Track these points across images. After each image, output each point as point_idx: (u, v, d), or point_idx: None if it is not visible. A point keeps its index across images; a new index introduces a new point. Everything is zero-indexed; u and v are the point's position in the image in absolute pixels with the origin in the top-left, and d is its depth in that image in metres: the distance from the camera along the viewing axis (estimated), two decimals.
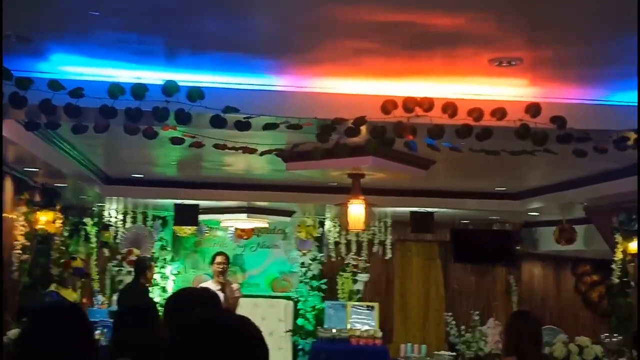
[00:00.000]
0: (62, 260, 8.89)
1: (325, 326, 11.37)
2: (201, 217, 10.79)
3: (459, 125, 4.35)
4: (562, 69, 4.23)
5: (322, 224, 12.37)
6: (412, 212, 10.36)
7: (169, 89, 4.16)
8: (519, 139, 4.39)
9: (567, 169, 7.90)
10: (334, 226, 12.37)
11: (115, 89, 4.14)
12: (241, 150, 4.80)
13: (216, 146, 4.75)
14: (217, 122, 4.25)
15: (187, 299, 3.64)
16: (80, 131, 4.43)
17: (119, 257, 11.62)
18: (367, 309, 11.75)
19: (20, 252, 7.55)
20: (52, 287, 8.88)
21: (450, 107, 4.30)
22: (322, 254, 12.47)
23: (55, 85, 4.07)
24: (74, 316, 3.10)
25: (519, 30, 3.66)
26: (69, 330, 2.99)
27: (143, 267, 9.28)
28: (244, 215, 10.85)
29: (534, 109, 4.33)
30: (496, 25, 3.53)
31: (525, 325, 5.24)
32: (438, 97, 4.36)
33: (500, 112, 4.32)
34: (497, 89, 4.47)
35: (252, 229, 11.96)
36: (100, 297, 11.27)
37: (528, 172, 8.52)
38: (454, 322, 12.64)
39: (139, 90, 4.15)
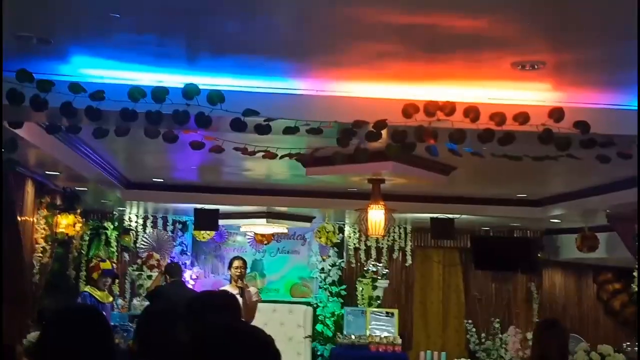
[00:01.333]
0: (92, 264, 8.95)
1: (345, 332, 11.33)
2: (221, 222, 10.80)
3: (480, 129, 4.30)
4: (586, 73, 4.17)
5: (341, 230, 12.34)
6: (432, 218, 10.30)
7: (190, 92, 4.16)
8: (541, 144, 4.34)
9: (589, 176, 7.82)
10: (354, 232, 12.36)
11: (136, 92, 4.14)
12: (261, 154, 4.77)
13: (236, 149, 4.73)
14: (237, 125, 4.23)
15: (208, 302, 3.62)
16: (101, 135, 4.44)
17: (139, 261, 11.65)
18: (387, 316, 11.70)
19: (40, 255, 7.59)
20: (86, 288, 8.97)
21: (472, 111, 4.25)
22: (341, 260, 12.44)
23: (76, 88, 4.08)
24: (93, 319, 3.10)
25: (542, 33, 3.61)
26: (88, 333, 2.99)
27: (177, 270, 9.41)
28: (263, 220, 10.85)
29: (557, 113, 4.27)
30: (519, 28, 3.49)
31: (552, 335, 5.19)
32: (460, 101, 4.32)
33: (522, 116, 4.27)
34: (520, 93, 4.42)
35: (272, 234, 11.95)
36: (120, 301, 11.31)
37: (550, 179, 8.45)
38: (474, 330, 12.57)
39: (160, 94, 4.15)
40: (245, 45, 3.91)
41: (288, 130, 4.31)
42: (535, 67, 3.97)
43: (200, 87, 4.18)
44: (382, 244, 12.50)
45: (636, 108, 4.42)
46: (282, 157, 4.82)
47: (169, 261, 11.10)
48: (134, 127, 4.40)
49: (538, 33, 3.62)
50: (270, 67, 4.24)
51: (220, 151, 4.63)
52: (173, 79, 4.27)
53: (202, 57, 4.17)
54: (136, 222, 11.91)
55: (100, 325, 3.12)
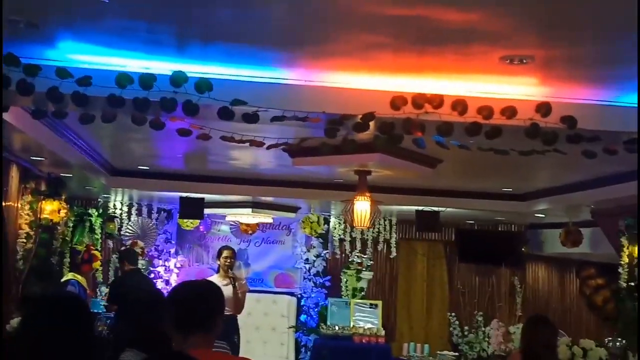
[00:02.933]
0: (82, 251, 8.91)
1: (328, 323, 11.33)
2: (206, 211, 10.79)
3: (468, 123, 4.31)
4: (574, 68, 4.18)
5: (327, 221, 12.34)
6: (417, 211, 10.32)
7: (178, 79, 4.13)
8: (528, 139, 4.35)
9: (574, 171, 7.86)
10: (339, 223, 12.36)
11: (124, 78, 4.11)
12: (248, 143, 4.76)
13: (223, 138, 4.71)
14: (225, 114, 4.22)
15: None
16: (87, 121, 4.41)
17: (122, 248, 11.59)
18: (371, 307, 11.70)
19: (24, 241, 7.54)
20: (69, 275, 8.91)
21: (460, 105, 4.25)
22: (326, 251, 12.45)
23: (63, 73, 4.05)
24: (74, 306, 3.08)
25: (532, 28, 3.62)
26: (68, 320, 2.97)
27: (135, 257, 9.29)
28: (248, 210, 10.84)
29: (544, 108, 4.28)
30: (509, 22, 3.49)
31: (541, 331, 5.23)
32: (448, 94, 4.33)
33: (510, 110, 4.28)
34: (508, 88, 4.42)
35: (257, 224, 11.94)
36: (103, 289, 11.26)
37: (535, 174, 8.48)
38: (457, 322, 12.61)
39: (147, 80, 4.13)
40: (235, 33, 3.89)
41: (276, 119, 4.29)
42: (524, 61, 3.97)
43: (189, 75, 4.16)
44: (367, 235, 12.50)
45: (626, 104, 4.46)
46: (269, 147, 4.81)
47: (125, 247, 10.99)
48: (121, 113, 4.37)
49: (528, 28, 3.62)
50: (260, 57, 4.23)
51: (207, 138, 4.61)
52: (161, 66, 4.25)
53: (191, 45, 4.15)
54: (121, 209, 11.86)
55: (80, 312, 3.10)
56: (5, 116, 5.18)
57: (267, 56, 4.22)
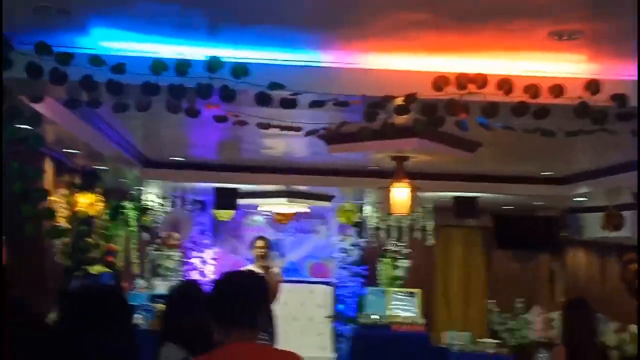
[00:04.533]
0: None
1: (366, 312, 11.23)
2: (241, 201, 10.72)
3: (514, 103, 4.15)
4: (624, 43, 3.99)
5: (361, 209, 12.21)
6: (455, 197, 10.16)
7: (213, 65, 4.03)
8: (577, 118, 4.18)
9: (615, 153, 7.64)
10: (374, 211, 12.22)
11: (158, 65, 4.01)
12: (285, 130, 4.64)
13: (260, 125, 4.59)
14: (262, 99, 4.11)
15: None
16: (121, 110, 4.32)
17: (158, 240, 11.58)
18: (408, 296, 11.57)
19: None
20: (100, 268, 8.83)
21: (506, 84, 4.10)
22: (362, 239, 12.33)
23: (96, 60, 3.96)
24: (113, 298, 3.00)
25: (581, 2, 3.44)
26: (107, 312, 2.89)
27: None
28: (283, 200, 10.75)
29: (593, 86, 4.12)
30: None
31: (579, 315, 5.09)
32: (492, 73, 4.17)
33: (558, 89, 4.11)
34: (554, 65, 4.24)
35: (292, 214, 11.85)
36: (140, 281, 11.25)
37: (575, 156, 8.26)
38: (496, 310, 12.44)
39: (182, 67, 4.03)
40: (270, 15, 3.77)
41: (314, 104, 4.17)
42: (573, 37, 3.80)
43: (224, 59, 4.05)
44: (403, 223, 12.36)
45: None
46: (308, 133, 4.69)
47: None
48: (155, 101, 4.28)
49: (576, 1, 3.45)
50: (296, 39, 4.10)
51: (244, 124, 4.49)
52: (195, 52, 4.14)
53: (225, 29, 4.02)
54: (155, 201, 11.83)
55: (119, 304, 3.03)
56: (39, 107, 5.12)
57: (304, 38, 4.09)
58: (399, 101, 4.18)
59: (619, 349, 7.06)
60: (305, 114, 4.50)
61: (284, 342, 11.27)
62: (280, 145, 8.07)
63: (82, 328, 2.86)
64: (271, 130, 4.78)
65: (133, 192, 11.34)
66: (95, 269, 7.98)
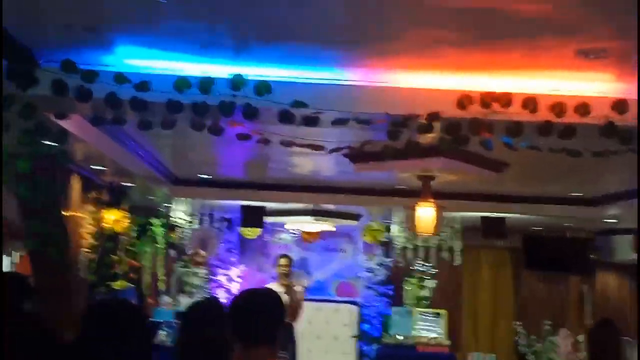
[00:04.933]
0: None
1: (391, 332, 11.15)
2: (267, 219, 10.72)
3: (539, 122, 4.10)
4: None
5: (388, 229, 12.14)
6: (483, 217, 10.07)
7: (237, 82, 4.04)
8: (604, 137, 4.12)
9: None
10: (401, 231, 12.15)
11: (182, 83, 4.03)
12: (309, 148, 4.63)
13: (283, 143, 4.59)
14: (286, 117, 4.10)
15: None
16: (146, 127, 4.34)
17: (185, 257, 11.61)
18: (434, 316, 11.48)
19: (88, 250, 7.56)
20: (123, 284, 8.84)
21: (531, 103, 4.05)
22: (389, 259, 12.26)
23: (121, 78, 3.99)
24: (130, 313, 3.00)
25: (609, 18, 3.40)
26: (124, 327, 2.90)
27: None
28: (309, 218, 10.73)
29: (621, 105, 4.06)
30: (583, 12, 3.28)
31: (606, 337, 5.00)
32: (517, 92, 4.13)
33: (584, 107, 4.06)
34: (581, 84, 4.19)
35: (318, 232, 11.83)
36: (166, 298, 11.28)
37: (605, 177, 8.15)
38: (524, 332, 12.28)
39: (206, 84, 4.04)
40: (294, 33, 3.77)
41: (337, 122, 4.16)
42: (600, 55, 3.75)
43: (247, 77, 4.05)
44: (430, 243, 12.28)
45: None
46: (331, 151, 4.68)
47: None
48: (180, 119, 4.30)
49: (606, 18, 3.40)
50: (320, 57, 4.10)
51: (267, 143, 4.49)
52: (219, 70, 4.15)
53: (249, 46, 4.03)
54: (182, 218, 11.87)
55: (136, 319, 3.03)
56: (66, 125, 5.16)
57: (327, 56, 4.08)
58: (422, 120, 4.15)
59: None
60: (330, 132, 4.49)
61: None
62: (308, 163, 8.07)
63: (97, 341, 2.87)
64: (298, 149, 4.78)
65: (161, 210, 11.40)
66: (118, 284, 8.01)
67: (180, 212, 11.76)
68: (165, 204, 11.21)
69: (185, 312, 4.02)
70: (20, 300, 4.57)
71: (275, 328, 3.26)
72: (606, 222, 10.56)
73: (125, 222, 8.06)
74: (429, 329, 11.35)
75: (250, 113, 4.08)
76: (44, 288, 6.52)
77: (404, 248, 12.31)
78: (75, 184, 7.20)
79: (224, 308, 3.80)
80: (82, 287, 7.54)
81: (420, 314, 11.47)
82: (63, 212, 6.53)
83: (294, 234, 12.27)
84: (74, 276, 6.86)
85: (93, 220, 7.62)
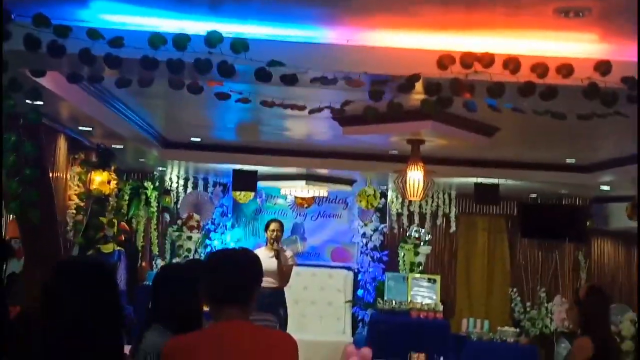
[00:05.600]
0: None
1: (385, 298, 11.14)
2: (261, 184, 10.69)
3: (521, 83, 4.03)
4: (635, 22, 3.84)
5: (384, 195, 12.09)
6: (476, 183, 10.02)
7: (212, 39, 3.96)
8: (586, 99, 4.05)
9: None
10: (397, 197, 12.12)
11: (157, 39, 3.95)
12: (290, 108, 4.57)
13: (263, 103, 4.53)
14: (262, 75, 4.03)
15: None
16: (124, 84, 4.29)
17: (179, 222, 11.60)
18: (429, 282, 11.45)
19: (74, 212, 7.52)
20: (113, 247, 8.80)
21: (512, 63, 3.98)
22: (384, 225, 12.24)
23: (94, 34, 3.91)
24: (98, 272, 2.97)
25: None
26: (90, 286, 2.87)
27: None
28: (302, 183, 10.68)
29: (603, 66, 3.98)
30: None
31: (597, 300, 4.96)
32: (499, 52, 4.05)
33: (566, 68, 3.98)
34: (564, 45, 4.11)
35: (313, 198, 11.78)
36: (159, 262, 11.28)
37: (600, 142, 8.09)
38: (519, 298, 12.29)
39: (181, 41, 3.96)
40: None
41: (316, 81, 4.08)
42: (580, 14, 3.67)
43: (224, 34, 3.98)
44: (426, 209, 12.25)
45: None
46: (311, 111, 4.61)
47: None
48: (157, 77, 4.23)
49: None
50: (298, 14, 4.02)
51: (246, 102, 4.43)
52: (195, 26, 4.07)
53: (226, 3, 3.95)
54: (177, 182, 11.85)
55: (107, 280, 3.00)
56: (49, 85, 5.10)
57: (306, 13, 4.00)
58: (403, 80, 4.08)
59: (633, 339, 6.90)
60: (321, 93, 4.41)
61: (302, 325, 11.28)
62: (301, 127, 8.02)
63: (65, 298, 2.84)
64: (291, 112, 4.72)
65: (155, 173, 11.37)
66: (107, 247, 7.98)
67: (174, 177, 11.74)
68: (160, 168, 11.18)
69: (157, 273, 3.97)
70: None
71: (249, 288, 3.20)
72: (601, 189, 10.50)
73: (113, 184, 8.01)
74: (423, 294, 11.32)
75: (227, 71, 4.00)
76: (30, 251, 6.51)
77: (400, 214, 12.30)
78: (62, 145, 7.14)
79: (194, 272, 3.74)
80: (69, 250, 7.52)
81: (415, 280, 11.44)
82: (48, 174, 6.48)
83: (289, 199, 12.22)
84: (59, 238, 6.82)
85: (80, 182, 7.57)
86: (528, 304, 12.20)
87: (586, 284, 7.06)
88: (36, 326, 3.03)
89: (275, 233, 8.73)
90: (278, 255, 8.55)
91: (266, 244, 8.87)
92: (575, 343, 5.11)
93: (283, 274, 8.62)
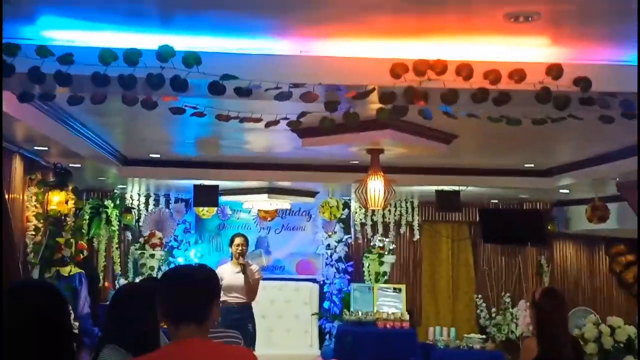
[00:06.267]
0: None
1: (352, 309, 11.13)
2: (223, 199, 10.63)
3: (474, 89, 4.05)
4: (585, 25, 3.89)
5: (347, 205, 12.09)
6: (437, 191, 10.07)
7: (164, 54, 3.92)
8: (539, 103, 4.08)
9: (598, 143, 7.56)
10: (360, 207, 12.13)
11: (107, 55, 3.90)
12: (246, 121, 4.54)
13: (219, 117, 4.49)
14: (215, 89, 4.00)
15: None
16: (76, 102, 4.22)
17: (141, 240, 11.48)
18: (394, 291, 11.47)
19: (33, 233, 7.40)
20: (74, 269, 8.63)
21: (464, 69, 3.99)
22: (348, 236, 12.23)
23: (43, 51, 3.85)
24: (47, 296, 2.91)
25: None
26: (39, 311, 2.81)
27: None
28: (264, 196, 10.64)
29: (555, 70, 4.02)
30: None
31: (551, 302, 4.98)
32: (451, 59, 4.06)
33: (518, 74, 4.01)
34: (515, 50, 4.14)
35: (276, 211, 11.74)
36: (122, 281, 11.14)
37: (557, 147, 8.19)
38: (484, 305, 12.36)
39: (133, 56, 3.92)
40: (222, 1, 3.67)
41: (271, 93, 4.06)
42: (530, 18, 3.70)
43: (176, 49, 3.94)
44: (389, 218, 12.28)
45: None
46: (267, 124, 4.57)
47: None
48: (110, 93, 4.17)
49: None
50: (250, 26, 4.00)
51: (201, 116, 4.39)
52: (146, 41, 4.03)
53: (176, 16, 3.92)
54: (138, 200, 11.73)
55: (55, 305, 2.94)
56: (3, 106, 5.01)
57: (258, 25, 3.99)
58: (357, 90, 4.08)
59: (596, 341, 6.95)
60: (278, 104, 4.39)
61: (269, 339, 11.21)
62: (261, 140, 7.98)
63: (15, 323, 2.78)
64: (250, 125, 4.68)
65: (115, 191, 11.25)
66: (65, 270, 7.86)
67: (135, 194, 11.63)
68: (120, 186, 11.06)
69: (113, 293, 3.90)
70: None
71: (206, 304, 3.14)
72: (560, 192, 10.62)
73: (71, 204, 7.89)
74: (389, 304, 11.33)
75: (180, 85, 3.97)
76: None
77: (363, 224, 12.31)
78: (18, 166, 7.03)
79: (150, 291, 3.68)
80: (29, 271, 7.40)
81: (381, 290, 11.45)
82: (4, 195, 6.36)
83: (253, 213, 12.15)
84: (17, 261, 6.70)
85: (37, 203, 7.45)
86: (493, 309, 12.27)
87: (541, 287, 7.12)
88: None
89: (240, 248, 8.67)
90: (244, 269, 8.49)
91: (231, 259, 8.81)
92: (522, 344, 5.14)
93: (250, 288, 8.57)
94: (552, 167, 9.44)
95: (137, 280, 10.73)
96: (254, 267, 8.91)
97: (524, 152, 8.39)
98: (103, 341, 3.60)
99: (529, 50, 4.15)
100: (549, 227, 11.99)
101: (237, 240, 8.77)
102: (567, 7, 3.67)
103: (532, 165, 9.27)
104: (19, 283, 3.69)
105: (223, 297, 8.49)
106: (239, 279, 8.45)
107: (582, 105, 4.05)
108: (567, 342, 5.01)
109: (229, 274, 8.48)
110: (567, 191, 10.40)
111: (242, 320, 8.29)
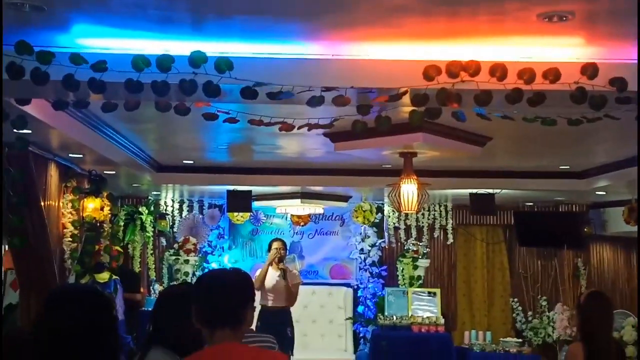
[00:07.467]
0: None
1: (386, 313, 11.09)
2: (256, 204, 10.66)
3: (508, 90, 4.00)
4: (620, 24, 3.83)
5: (380, 210, 12.06)
6: (471, 194, 10.00)
7: (196, 59, 3.93)
8: (574, 103, 4.02)
9: (634, 143, 7.41)
10: (393, 211, 12.09)
11: (140, 61, 3.92)
12: (278, 126, 4.53)
13: (251, 122, 4.50)
14: (248, 94, 4.00)
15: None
16: (110, 109, 4.24)
17: (175, 246, 11.55)
18: (429, 295, 11.41)
19: (70, 239, 7.48)
20: (107, 275, 8.72)
21: (498, 70, 3.95)
22: (381, 240, 12.19)
23: (77, 59, 3.88)
24: (95, 300, 2.94)
25: None
26: (87, 314, 2.83)
27: None
28: (297, 201, 10.64)
29: (590, 69, 3.96)
30: None
31: (596, 305, 4.91)
32: (484, 60, 4.02)
33: (553, 73, 3.96)
34: (549, 50, 4.09)
35: (308, 215, 11.74)
36: (157, 286, 11.22)
37: (593, 148, 8.07)
38: (520, 308, 12.24)
39: (165, 62, 3.93)
40: (253, 7, 3.68)
41: (306, 97, 4.05)
42: (564, 18, 3.65)
43: (208, 54, 3.95)
44: (423, 222, 12.22)
45: None
46: (300, 127, 4.57)
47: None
48: (143, 100, 4.20)
49: None
50: (281, 30, 3.99)
51: (234, 122, 4.40)
52: (179, 47, 4.04)
53: (208, 22, 3.93)
54: (172, 206, 11.81)
55: (103, 309, 2.95)
56: (37, 113, 5.07)
57: (289, 29, 3.98)
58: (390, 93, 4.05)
59: (635, 344, 6.84)
60: (310, 108, 4.38)
61: (304, 344, 11.20)
62: (293, 145, 7.98)
63: (60, 327, 2.80)
64: (283, 131, 4.68)
65: (149, 198, 11.33)
66: (102, 277, 7.93)
67: (169, 200, 11.71)
68: (154, 192, 11.15)
69: (158, 298, 3.91)
70: None
71: (240, 308, 3.14)
72: (596, 194, 10.49)
73: (106, 211, 7.97)
74: (423, 308, 11.27)
75: (212, 91, 3.97)
76: (25, 281, 6.46)
77: (397, 228, 12.26)
78: (53, 173, 7.11)
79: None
80: (66, 278, 7.47)
81: (415, 294, 11.40)
82: (40, 202, 6.44)
83: (286, 218, 12.17)
84: (53, 267, 6.77)
85: (73, 210, 7.53)
86: (529, 313, 12.15)
87: (587, 290, 6.99)
88: (27, 353, 2.99)
89: (279, 252, 8.68)
90: (285, 274, 8.49)
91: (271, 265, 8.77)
92: (567, 350, 5.07)
93: (291, 293, 8.57)
94: (588, 169, 9.31)
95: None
96: (294, 271, 8.92)
97: (559, 154, 8.29)
98: (149, 343, 3.61)
99: (563, 50, 4.10)
100: (585, 230, 11.84)
101: (276, 245, 8.79)
102: (601, 6, 3.61)
103: (568, 167, 9.16)
104: (68, 287, 3.71)
105: (263, 302, 8.52)
106: (280, 283, 8.46)
107: (618, 104, 3.99)
108: (612, 346, 4.94)
109: (269, 278, 8.50)
110: (603, 193, 10.26)
111: (281, 325, 8.30)
